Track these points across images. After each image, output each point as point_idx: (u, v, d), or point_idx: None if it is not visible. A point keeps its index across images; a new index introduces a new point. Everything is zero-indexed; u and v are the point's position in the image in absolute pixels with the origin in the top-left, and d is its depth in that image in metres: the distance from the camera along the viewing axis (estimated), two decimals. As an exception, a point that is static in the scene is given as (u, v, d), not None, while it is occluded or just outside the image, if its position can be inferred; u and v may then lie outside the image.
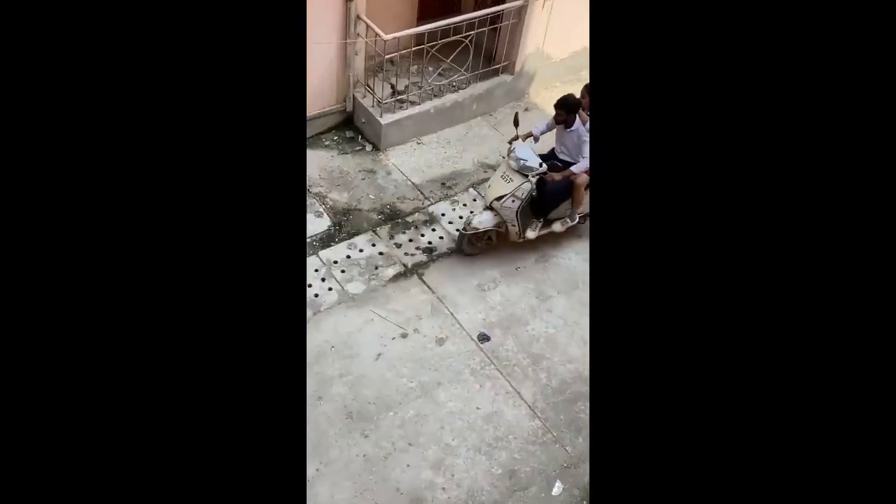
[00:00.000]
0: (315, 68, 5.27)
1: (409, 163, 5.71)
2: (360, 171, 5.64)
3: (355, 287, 4.76)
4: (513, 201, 4.61)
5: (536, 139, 4.94)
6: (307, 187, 5.36)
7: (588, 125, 4.67)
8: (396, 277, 4.85)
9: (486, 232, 4.82)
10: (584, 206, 4.93)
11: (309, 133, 5.63)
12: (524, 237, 4.85)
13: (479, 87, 6.06)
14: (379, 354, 4.30)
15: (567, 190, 4.81)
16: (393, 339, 4.42)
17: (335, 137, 5.83)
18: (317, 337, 4.34)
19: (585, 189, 4.78)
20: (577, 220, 4.97)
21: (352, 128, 5.93)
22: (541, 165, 4.60)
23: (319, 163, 5.61)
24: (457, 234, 4.98)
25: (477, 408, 4.11)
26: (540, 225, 4.92)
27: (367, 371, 4.19)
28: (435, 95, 5.90)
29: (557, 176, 4.67)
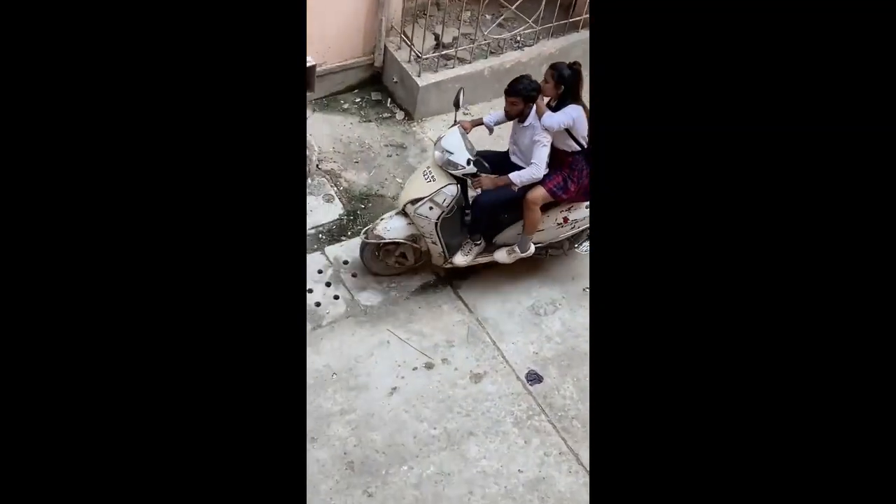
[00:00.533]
0: (337, 6, 5.02)
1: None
2: (386, 144, 5.32)
3: (369, 297, 4.48)
4: (430, 208, 3.97)
5: (490, 130, 4.34)
6: (315, 162, 5.04)
7: (548, 120, 3.97)
8: (424, 288, 4.55)
9: (398, 245, 4.25)
10: (550, 234, 4.29)
11: (323, 91, 5.33)
12: (451, 262, 4.23)
13: (551, 45, 5.64)
14: (394, 389, 4.00)
15: (510, 205, 4.18)
16: (414, 369, 4.10)
17: (357, 100, 5.58)
18: (315, 360, 4.03)
19: (535, 207, 4.10)
20: (531, 250, 4.28)
21: (380, 88, 5.60)
22: (469, 163, 3.92)
23: (334, 131, 5.31)
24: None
25: (519, 470, 3.82)
26: (477, 248, 4.28)
27: (378, 409, 3.92)
28: (491, 52, 5.58)
29: (487, 182, 4.01)
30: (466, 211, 4.14)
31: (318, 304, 4.29)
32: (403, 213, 4.13)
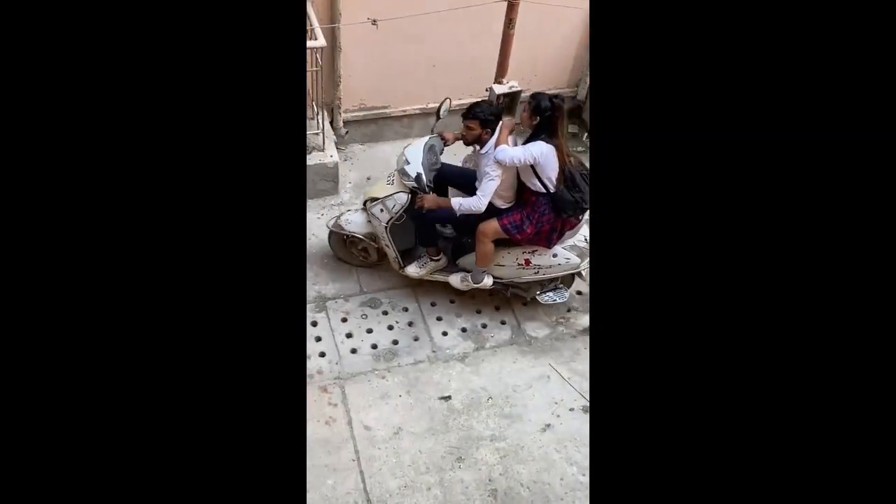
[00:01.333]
0: (552, 33, 4.85)
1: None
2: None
3: (536, 329, 4.37)
4: (381, 210, 3.95)
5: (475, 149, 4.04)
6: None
7: (501, 154, 3.62)
8: (595, 330, 4.28)
9: (360, 239, 4.25)
10: (510, 272, 4.05)
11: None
12: (403, 270, 4.15)
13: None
14: (548, 425, 3.85)
15: (458, 227, 4.05)
16: (571, 410, 3.94)
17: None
18: (473, 380, 4.00)
19: (484, 240, 3.85)
20: (486, 282, 4.05)
21: (579, 122, 5.51)
22: (419, 178, 3.76)
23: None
24: None
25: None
26: (434, 264, 4.14)
27: (528, 443, 3.77)
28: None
29: (430, 201, 3.80)
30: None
31: (484, 326, 4.24)
32: (365, 209, 4.09)
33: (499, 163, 3.58)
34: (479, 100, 3.85)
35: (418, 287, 4.41)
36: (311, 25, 4.26)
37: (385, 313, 4.30)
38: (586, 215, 3.88)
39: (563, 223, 3.82)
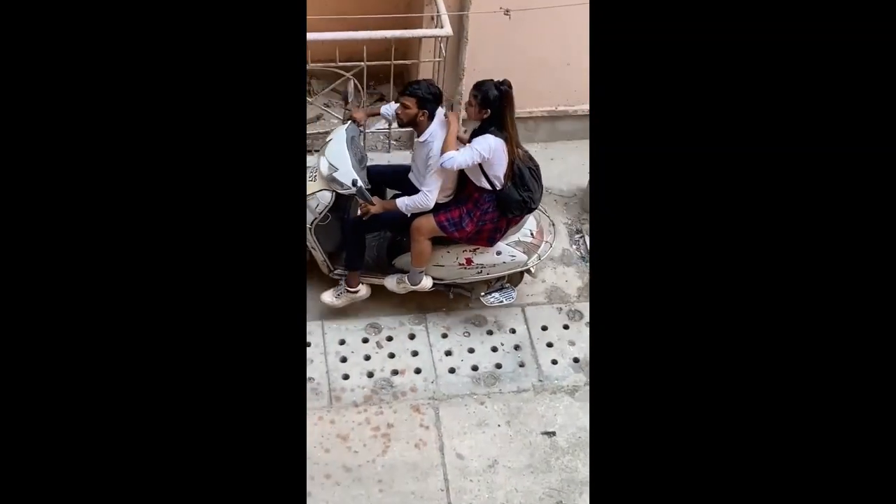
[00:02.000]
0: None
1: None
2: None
3: None
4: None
5: (389, 123, 3.93)
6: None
7: (449, 161, 3.48)
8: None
9: None
10: (452, 272, 3.95)
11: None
12: (333, 273, 3.99)
13: None
14: None
15: (392, 224, 3.86)
16: None
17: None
18: (582, 418, 3.85)
19: (419, 238, 3.70)
20: (425, 283, 3.88)
21: None
22: (354, 184, 3.55)
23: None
24: None
25: None
26: (349, 296, 4.00)
27: None
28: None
29: (376, 208, 3.63)
30: (347, 217, 3.92)
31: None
32: None
33: (446, 170, 3.51)
34: (422, 79, 3.74)
35: (529, 307, 4.39)
36: (437, 12, 4.24)
37: (490, 333, 4.25)
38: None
39: (507, 222, 3.75)
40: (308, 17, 3.57)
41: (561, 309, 4.30)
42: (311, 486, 3.56)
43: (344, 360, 4.12)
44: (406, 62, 4.80)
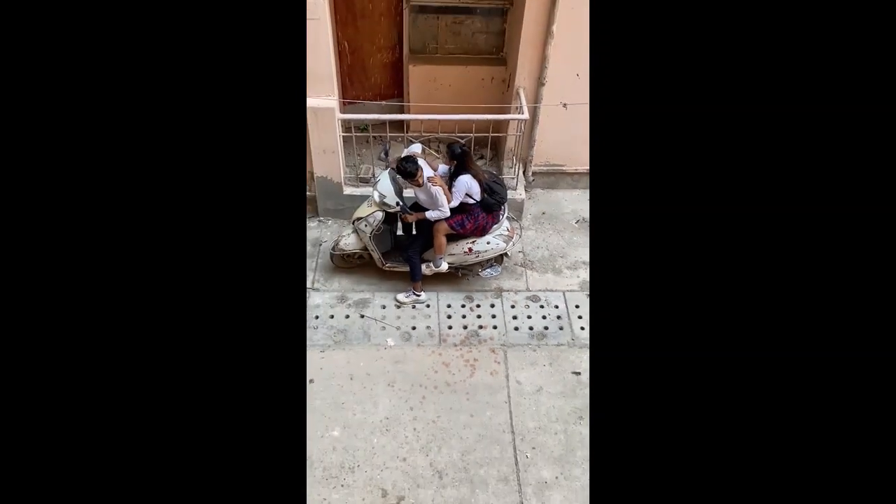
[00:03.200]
0: None
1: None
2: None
3: None
4: (365, 226, 4.98)
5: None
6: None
7: (446, 208, 4.78)
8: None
9: (354, 253, 5.27)
10: (460, 259, 5.09)
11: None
12: (385, 266, 5.19)
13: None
14: None
15: (422, 231, 5.06)
16: None
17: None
18: None
19: (439, 235, 4.94)
20: (443, 267, 5.08)
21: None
22: (398, 205, 4.84)
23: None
24: None
25: None
26: (414, 297, 5.19)
27: None
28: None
29: (413, 216, 4.95)
30: (393, 229, 5.12)
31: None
32: (353, 229, 5.14)
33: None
34: (405, 157, 4.83)
35: (568, 292, 5.18)
36: (520, 104, 5.29)
37: (542, 307, 5.07)
38: (504, 214, 5.06)
39: (492, 217, 4.97)
40: (439, 103, 4.98)
41: (588, 294, 4.98)
42: (426, 393, 4.33)
43: (449, 316, 4.99)
44: (499, 134, 5.65)
